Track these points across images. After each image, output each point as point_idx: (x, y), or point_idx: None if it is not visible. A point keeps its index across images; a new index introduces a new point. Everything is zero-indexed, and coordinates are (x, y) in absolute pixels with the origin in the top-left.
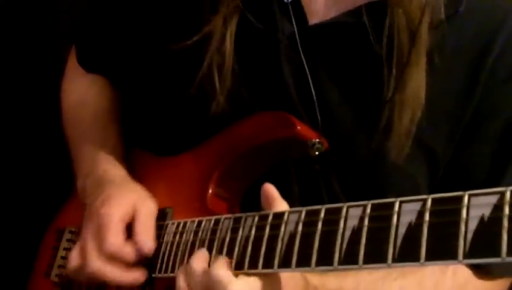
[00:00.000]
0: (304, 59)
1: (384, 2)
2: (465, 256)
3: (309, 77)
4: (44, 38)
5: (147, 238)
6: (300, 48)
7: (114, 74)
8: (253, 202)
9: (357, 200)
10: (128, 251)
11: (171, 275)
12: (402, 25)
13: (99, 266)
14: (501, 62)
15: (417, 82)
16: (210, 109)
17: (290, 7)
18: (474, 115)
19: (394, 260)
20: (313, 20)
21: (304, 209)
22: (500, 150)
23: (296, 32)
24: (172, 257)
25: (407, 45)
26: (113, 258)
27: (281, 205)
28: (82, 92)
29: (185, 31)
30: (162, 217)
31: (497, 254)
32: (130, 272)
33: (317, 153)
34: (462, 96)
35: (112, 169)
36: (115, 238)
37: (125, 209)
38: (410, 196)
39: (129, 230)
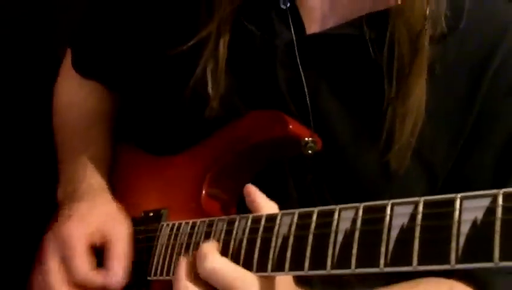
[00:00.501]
0: (300, 67)
1: (384, 13)
2: (458, 261)
3: (305, 85)
4: (42, 38)
5: (118, 275)
6: (297, 56)
7: (109, 79)
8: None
9: None
10: (96, 281)
11: (167, 277)
12: (403, 35)
13: None
14: (502, 74)
15: (419, 93)
16: (204, 113)
17: (288, 13)
18: (475, 128)
19: (386, 265)
20: (311, 28)
21: (296, 212)
22: (502, 162)
23: (294, 40)
24: (167, 260)
25: (409, 56)
26: (84, 284)
27: (266, 203)
28: (71, 94)
29: (181, 35)
30: (157, 218)
31: (490, 258)
32: None
33: (310, 151)
34: (462, 109)
35: (88, 178)
36: (82, 268)
37: (89, 230)
38: None
39: (97, 251)
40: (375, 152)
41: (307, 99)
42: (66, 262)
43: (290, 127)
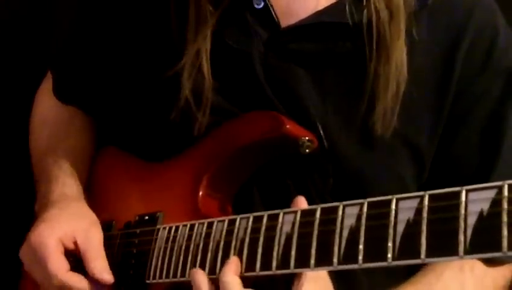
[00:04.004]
0: (280, 63)
1: None
2: (466, 252)
3: (293, 81)
4: (41, 38)
5: (103, 271)
6: (274, 52)
7: (89, 107)
8: (247, 200)
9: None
10: (74, 282)
11: (166, 280)
12: (382, 6)
13: None
14: (473, 54)
15: (399, 55)
16: (193, 130)
17: (262, 12)
18: (455, 108)
19: (394, 259)
20: (287, 22)
21: (299, 210)
22: (487, 140)
23: (269, 37)
24: (166, 262)
25: (388, 22)
26: (62, 288)
27: None
28: (45, 112)
29: (160, 55)
30: (152, 221)
31: (498, 248)
32: None
33: (307, 150)
34: (438, 88)
35: (60, 188)
36: (57, 271)
37: (59, 234)
38: None
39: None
40: (359, 132)
41: (301, 97)
42: (42, 269)
43: (287, 127)
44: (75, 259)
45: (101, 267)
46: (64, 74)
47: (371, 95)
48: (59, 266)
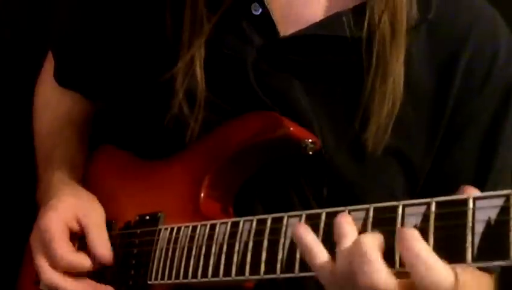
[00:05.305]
0: (275, 71)
1: (361, 7)
2: (474, 259)
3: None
4: (42, 38)
5: (104, 251)
6: (268, 60)
7: (90, 94)
8: (247, 199)
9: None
10: (82, 260)
11: (168, 281)
12: (385, 18)
13: (54, 280)
14: (473, 71)
15: (397, 74)
16: (185, 137)
17: (259, 19)
18: (451, 124)
19: (401, 265)
20: (286, 31)
21: (303, 213)
22: (482, 158)
23: (264, 44)
24: (168, 264)
25: (389, 35)
26: (69, 268)
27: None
28: (47, 96)
29: (159, 58)
30: (154, 221)
31: (506, 256)
32: (92, 286)
33: (311, 152)
34: (435, 103)
35: (58, 174)
36: (61, 250)
37: (64, 218)
38: None
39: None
40: (352, 146)
41: (301, 102)
42: (47, 250)
43: (291, 129)
44: (82, 240)
45: (100, 243)
46: (64, 61)
47: (365, 109)
48: (64, 247)
